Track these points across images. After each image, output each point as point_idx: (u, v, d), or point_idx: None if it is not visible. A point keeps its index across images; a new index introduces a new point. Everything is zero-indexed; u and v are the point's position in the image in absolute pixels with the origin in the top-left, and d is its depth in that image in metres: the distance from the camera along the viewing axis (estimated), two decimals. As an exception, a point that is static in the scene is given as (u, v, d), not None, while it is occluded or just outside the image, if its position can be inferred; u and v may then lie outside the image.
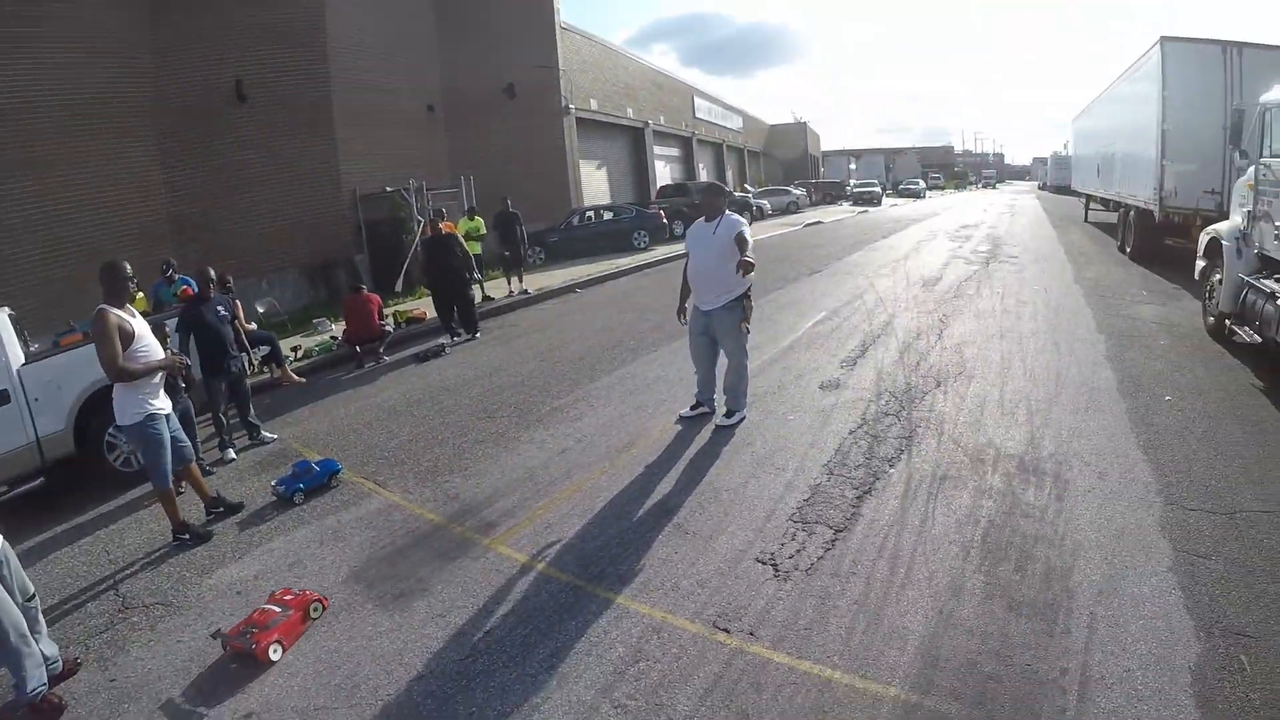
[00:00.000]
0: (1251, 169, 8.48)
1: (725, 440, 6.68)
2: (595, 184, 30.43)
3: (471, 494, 6.07)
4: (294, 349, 11.69)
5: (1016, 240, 21.98)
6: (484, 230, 16.08)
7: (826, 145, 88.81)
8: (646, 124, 34.74)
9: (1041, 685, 3.40)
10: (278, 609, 4.32)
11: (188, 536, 5.65)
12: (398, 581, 4.79)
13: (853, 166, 73.20)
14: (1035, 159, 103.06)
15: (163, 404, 5.53)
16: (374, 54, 19.18)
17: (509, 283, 16.65)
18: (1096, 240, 21.30)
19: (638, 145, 34.86)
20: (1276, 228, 7.61)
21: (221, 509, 6.10)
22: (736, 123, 53.45)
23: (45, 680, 3.85)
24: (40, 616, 4.14)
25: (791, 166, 65.28)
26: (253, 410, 8.06)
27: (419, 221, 17.17)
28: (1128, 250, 17.54)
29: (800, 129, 71.39)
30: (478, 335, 12.51)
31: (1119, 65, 18.16)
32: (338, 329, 12.85)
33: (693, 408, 7.35)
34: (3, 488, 6.49)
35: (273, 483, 6.42)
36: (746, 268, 6.16)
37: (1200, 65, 13.44)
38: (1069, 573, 4.28)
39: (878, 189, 52.47)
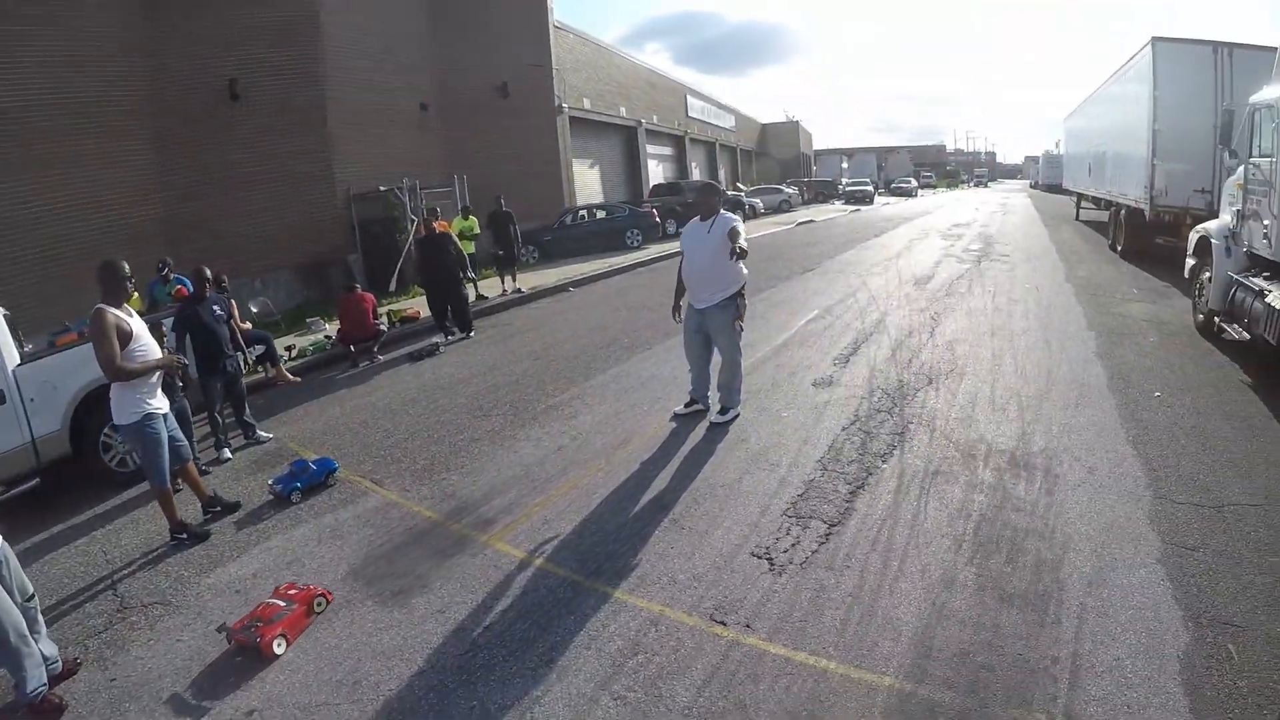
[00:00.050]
0: (1241, 168, 8.57)
1: (720, 437, 6.74)
2: (588, 183, 30.46)
3: (468, 491, 6.10)
4: (288, 348, 11.68)
5: (1008, 239, 22.10)
6: (478, 229, 16.08)
7: (819, 144, 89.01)
8: (639, 123, 34.77)
9: (1033, 673, 3.47)
10: (282, 603, 4.36)
11: (185, 536, 5.65)
12: (397, 578, 4.82)
13: (845, 165, 73.31)
14: (1027, 158, 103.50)
15: (160, 403, 5.54)
16: (368, 53, 19.15)
17: (503, 282, 16.65)
18: (1088, 239, 21.42)
19: (631, 144, 34.89)
20: (1265, 226, 7.70)
21: (219, 508, 6.11)
22: (729, 121, 53.53)
23: (45, 680, 3.86)
24: (39, 617, 4.14)
25: (784, 165, 65.36)
26: (248, 410, 8.07)
27: (413, 221, 17.17)
28: (1119, 249, 17.67)
29: (793, 128, 71.49)
30: (472, 334, 12.52)
31: (1117, 65, 18.30)
32: (332, 328, 12.86)
33: (687, 405, 7.40)
34: (-1, 488, 6.48)
35: (270, 482, 6.44)
36: (741, 253, 6.29)
37: (1191, 66, 13.55)
38: (1059, 565, 4.35)
39: (870, 188, 52.63)
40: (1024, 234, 23.57)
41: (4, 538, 4.00)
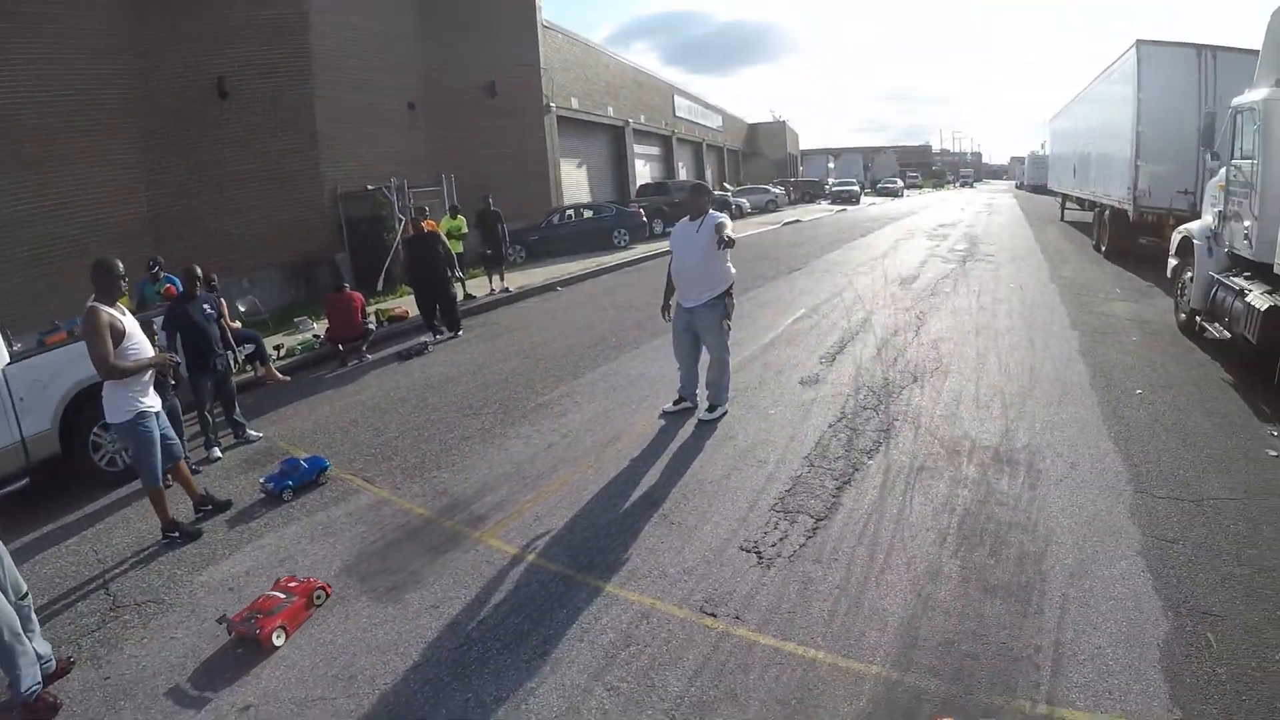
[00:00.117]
0: (1223, 170, 8.70)
1: (708, 434, 6.81)
2: (576, 182, 30.47)
3: (460, 489, 6.15)
4: (276, 348, 11.68)
5: (993, 239, 22.27)
6: (466, 229, 16.10)
7: (806, 144, 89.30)
8: (627, 122, 34.81)
9: (1016, 661, 3.56)
10: (282, 595, 4.41)
11: (177, 535, 5.66)
12: (390, 575, 4.86)
13: (831, 165, 73.54)
14: (1013, 158, 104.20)
15: (152, 402, 5.55)
16: (356, 52, 19.10)
17: (490, 281, 16.68)
18: (1072, 239, 21.62)
19: (618, 144, 34.92)
20: (1246, 227, 7.82)
21: (210, 507, 6.12)
22: (716, 121, 53.61)
23: (40, 679, 3.86)
24: (33, 615, 4.13)
25: (771, 165, 65.53)
26: (238, 409, 8.07)
27: (400, 220, 17.17)
28: (1102, 249, 17.85)
29: (779, 128, 71.68)
30: (460, 333, 12.54)
31: (1103, 66, 18.52)
32: (320, 327, 12.86)
33: (676, 403, 7.48)
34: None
35: (261, 480, 6.46)
36: (728, 242, 6.46)
37: (1175, 68, 13.71)
38: (1042, 557, 4.45)
39: (856, 188, 52.81)
40: (1009, 234, 23.76)
41: None
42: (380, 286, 17.21)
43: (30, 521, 6.38)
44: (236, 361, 9.35)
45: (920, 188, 78.70)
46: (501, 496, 5.90)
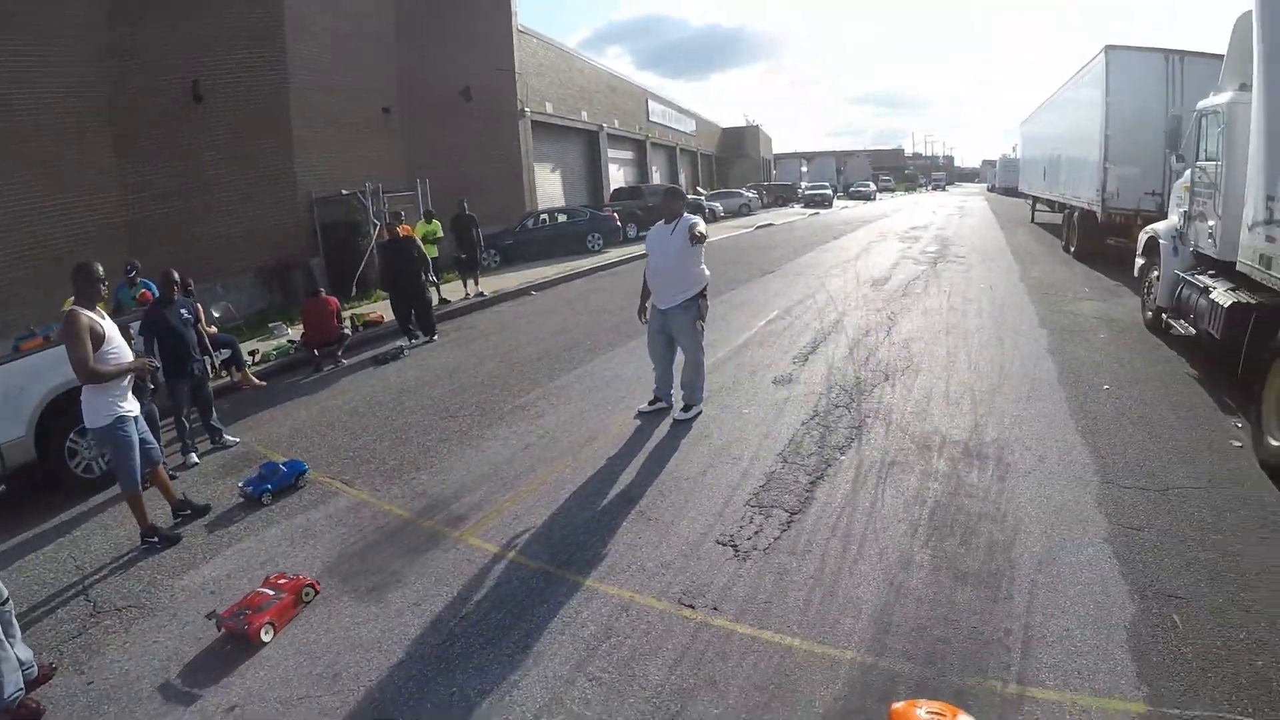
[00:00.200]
0: (1188, 172, 8.91)
1: (683, 433, 6.92)
2: (550, 187, 30.48)
3: (439, 490, 6.19)
4: (252, 353, 11.63)
5: (964, 241, 22.58)
6: (441, 233, 16.12)
7: (779, 148, 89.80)
8: (601, 127, 34.89)
9: (987, 645, 3.69)
10: (271, 592, 4.45)
11: (156, 540, 5.63)
12: (371, 575, 4.89)
13: (804, 169, 74.04)
14: (984, 162, 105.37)
15: (131, 406, 5.54)
16: (332, 56, 19.04)
17: (465, 285, 16.68)
18: (1042, 240, 21.99)
19: (592, 148, 34.99)
20: (1210, 227, 8.02)
21: (189, 511, 6.09)
22: (690, 126, 53.81)
23: (22, 685, 3.83)
24: (14, 620, 4.09)
25: (745, 169, 65.85)
26: (215, 414, 8.04)
27: (375, 225, 17.14)
28: (1072, 250, 18.17)
29: (753, 132, 72.07)
30: (435, 338, 12.56)
31: (1073, 71, 18.86)
32: (295, 333, 12.82)
33: (651, 403, 7.57)
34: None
35: (240, 484, 6.45)
36: (700, 237, 6.65)
37: (1143, 72, 14.02)
38: (1011, 545, 4.60)
39: (829, 191, 53.20)
40: (980, 236, 24.10)
41: None
42: (354, 291, 17.17)
43: (7, 529, 6.31)
44: (213, 366, 9.33)
45: (893, 191, 79.46)
46: (480, 496, 5.96)
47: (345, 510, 5.99)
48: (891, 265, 17.45)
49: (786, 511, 5.21)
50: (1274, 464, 5.41)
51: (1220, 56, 8.63)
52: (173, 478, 6.88)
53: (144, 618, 4.68)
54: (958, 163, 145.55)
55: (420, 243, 13.24)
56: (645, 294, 7.42)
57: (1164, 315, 9.12)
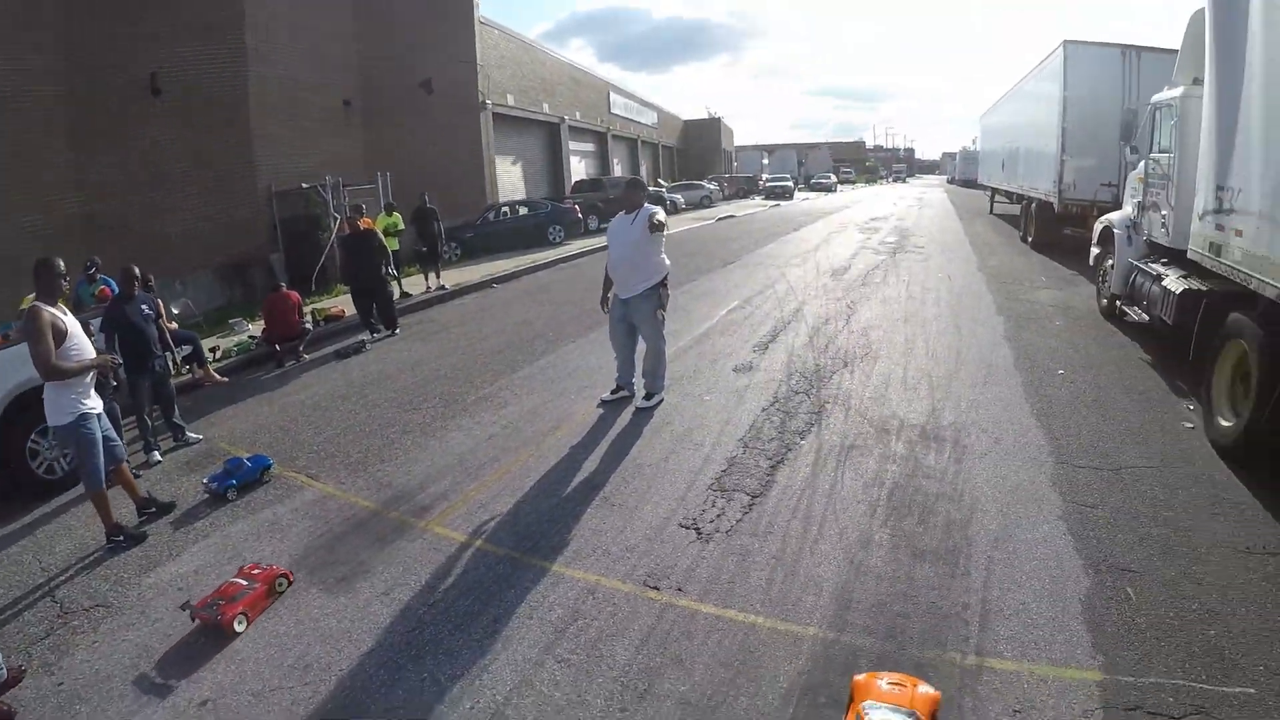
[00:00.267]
0: (1142, 164, 9.17)
1: (646, 420, 7.03)
2: (511, 179, 30.35)
3: (403, 481, 6.23)
4: (212, 350, 11.48)
5: (924, 232, 22.95)
6: (402, 225, 16.03)
7: (741, 140, 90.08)
8: (562, 119, 34.79)
9: (946, 619, 3.85)
10: (244, 582, 4.47)
11: (122, 538, 5.57)
12: (339, 566, 4.93)
13: (766, 161, 74.35)
14: (945, 154, 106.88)
15: (95, 403, 5.50)
16: (291, 47, 18.70)
17: (426, 279, 16.62)
18: (1000, 231, 22.41)
19: (553, 140, 34.86)
20: (1163, 216, 8.27)
21: (153, 509, 6.04)
22: (651, 118, 53.79)
23: (-9, 690, 3.80)
24: None
25: (706, 161, 65.99)
26: (177, 411, 7.96)
27: (335, 218, 17.00)
28: (1029, 240, 18.59)
29: (714, 124, 72.20)
30: (397, 331, 12.51)
31: (1032, 64, 19.22)
32: (255, 329, 12.70)
33: (613, 392, 7.67)
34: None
35: (204, 480, 6.40)
36: (659, 225, 6.76)
37: (1100, 67, 14.40)
38: (967, 523, 4.77)
39: (790, 183, 53.61)
40: (939, 227, 24.50)
41: None
42: (314, 286, 17.01)
43: (-35, 533, 6.22)
44: (175, 363, 9.23)
45: (854, 183, 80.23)
46: (445, 486, 6.01)
47: (311, 503, 6.00)
48: (851, 255, 17.70)
49: (748, 495, 5.34)
50: (1224, 444, 5.64)
51: (1175, 52, 8.86)
52: (136, 476, 6.82)
53: (112, 616, 4.65)
54: (918, 155, 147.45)
55: (381, 235, 13.17)
56: (608, 284, 7.50)
57: (1118, 302, 9.41)
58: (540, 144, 33.97)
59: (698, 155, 66.95)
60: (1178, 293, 7.19)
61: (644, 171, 50.50)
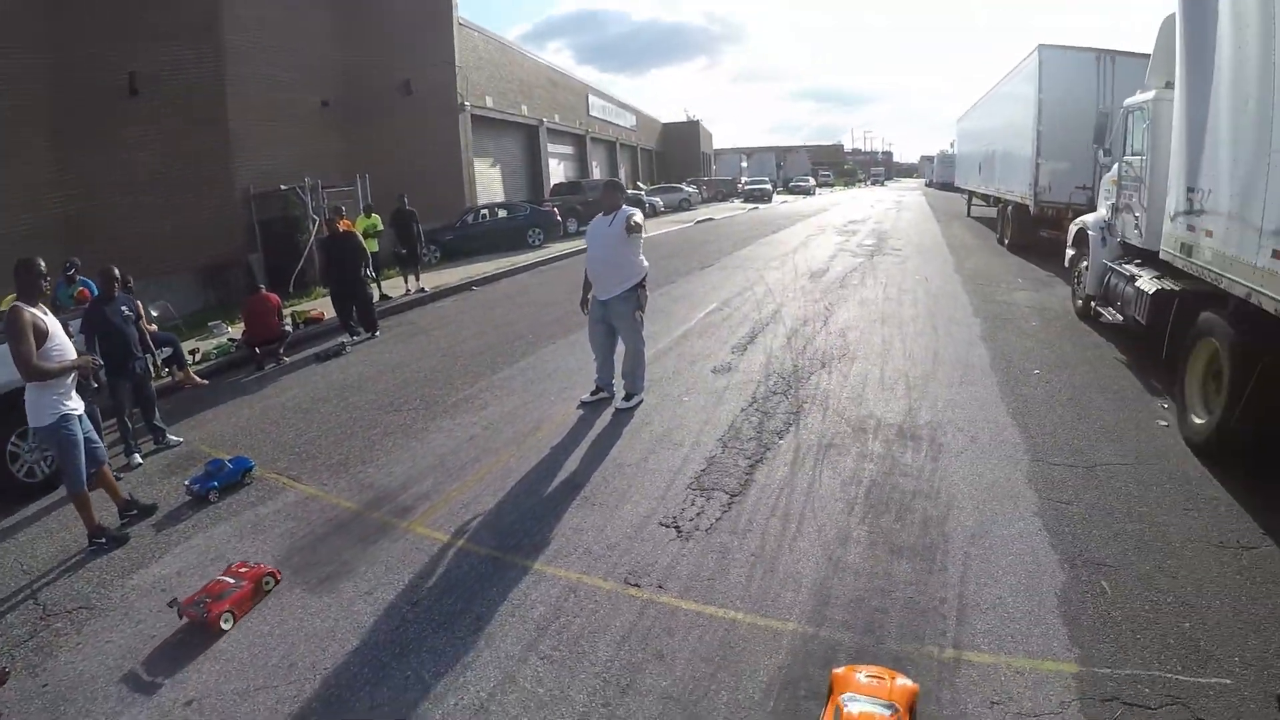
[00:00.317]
0: (1116, 166, 9.34)
1: (625, 421, 7.11)
2: (489, 182, 30.33)
3: (385, 482, 6.26)
4: (192, 352, 11.42)
5: (901, 234, 23.16)
6: (381, 226, 16.01)
7: (719, 143, 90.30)
8: (541, 122, 34.82)
9: (923, 614, 3.94)
10: (231, 580, 4.50)
11: (104, 540, 5.56)
12: (322, 566, 4.96)
13: (744, 164, 74.63)
14: (923, 157, 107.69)
15: (76, 404, 5.50)
16: (270, 48, 18.53)
17: (406, 281, 16.60)
18: (977, 233, 22.66)
19: (532, 143, 34.87)
20: (1136, 218, 8.44)
21: (135, 511, 6.03)
22: (630, 121, 53.91)
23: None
24: None
25: (684, 164, 66.14)
26: (157, 413, 7.93)
27: (314, 220, 16.93)
28: (1006, 242, 18.82)
29: (693, 127, 72.38)
30: (377, 334, 12.50)
31: (1009, 68, 19.45)
32: (235, 331, 12.65)
33: (593, 393, 7.74)
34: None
35: (186, 482, 6.40)
36: (636, 227, 6.86)
37: (1075, 71, 14.60)
38: (944, 520, 4.88)
39: (769, 186, 53.75)
40: (917, 230, 24.73)
41: None
42: (291, 289, 16.93)
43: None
44: (155, 365, 9.19)
45: (832, 186, 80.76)
46: (427, 487, 6.06)
47: (293, 505, 6.02)
48: (829, 258, 17.86)
49: (727, 493, 5.43)
50: (1197, 441, 5.78)
51: (1148, 56, 9.04)
52: (118, 478, 6.81)
53: (95, 618, 4.65)
54: (897, 158, 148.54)
55: (360, 237, 13.16)
56: (587, 286, 7.57)
57: (1093, 303, 9.58)
58: (519, 146, 33.99)
59: (677, 158, 67.10)
60: (1151, 293, 7.32)
61: (623, 174, 50.58)
